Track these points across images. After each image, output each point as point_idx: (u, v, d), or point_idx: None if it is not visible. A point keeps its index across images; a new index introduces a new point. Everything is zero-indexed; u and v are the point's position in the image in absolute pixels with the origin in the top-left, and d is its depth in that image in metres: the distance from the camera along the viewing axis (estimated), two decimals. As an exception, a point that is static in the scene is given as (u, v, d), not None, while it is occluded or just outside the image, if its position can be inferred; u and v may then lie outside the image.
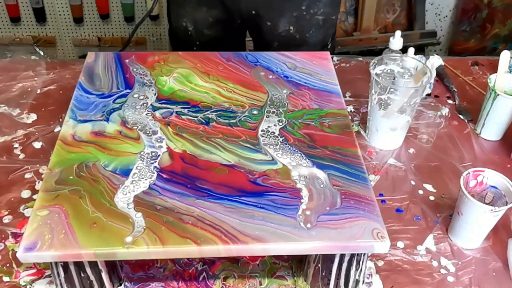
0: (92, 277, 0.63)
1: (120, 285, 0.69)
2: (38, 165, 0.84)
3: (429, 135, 0.96)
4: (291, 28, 1.11)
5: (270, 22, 1.11)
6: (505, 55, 0.93)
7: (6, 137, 0.90)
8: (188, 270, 0.71)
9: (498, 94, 0.89)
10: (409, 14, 2.21)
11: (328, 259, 0.65)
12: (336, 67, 1.10)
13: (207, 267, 0.71)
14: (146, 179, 0.65)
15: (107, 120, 0.74)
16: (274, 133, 0.73)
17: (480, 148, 0.94)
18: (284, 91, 0.81)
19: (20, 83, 1.02)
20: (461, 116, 1.01)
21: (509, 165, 0.91)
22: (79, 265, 0.62)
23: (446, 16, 2.27)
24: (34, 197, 0.78)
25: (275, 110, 0.77)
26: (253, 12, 1.11)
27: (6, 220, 0.76)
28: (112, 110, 0.76)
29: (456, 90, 1.06)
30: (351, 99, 1.03)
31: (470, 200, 0.70)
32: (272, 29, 1.11)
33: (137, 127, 0.73)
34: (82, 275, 0.63)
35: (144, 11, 2.21)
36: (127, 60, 0.86)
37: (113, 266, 0.67)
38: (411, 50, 0.95)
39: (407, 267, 0.73)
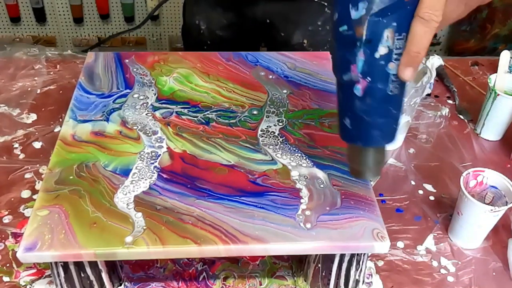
0: (92, 277, 0.63)
1: (120, 285, 0.69)
2: (38, 165, 0.84)
3: (429, 135, 0.96)
4: (305, 41, 1.10)
5: (284, 33, 1.10)
6: (505, 55, 0.93)
7: (6, 137, 0.90)
8: (188, 270, 0.71)
9: (498, 94, 0.89)
10: (409, 14, 2.21)
11: (328, 259, 0.65)
12: (336, 67, 1.10)
13: (207, 267, 0.71)
14: (146, 179, 0.65)
15: (107, 120, 0.74)
16: (274, 133, 0.73)
17: (480, 148, 0.94)
18: (284, 91, 0.81)
19: (20, 83, 1.02)
20: (461, 116, 1.01)
21: (509, 165, 0.91)
22: (79, 265, 0.62)
23: (446, 16, 2.27)
24: (34, 197, 0.78)
25: (275, 110, 0.77)
26: (268, 21, 1.10)
27: (6, 220, 0.76)
28: (112, 110, 0.76)
29: (456, 90, 1.06)
30: (351, 99, 1.03)
31: (470, 200, 0.70)
32: (286, 41, 1.11)
33: (137, 127, 0.73)
34: (82, 275, 0.63)
35: (144, 11, 2.21)
36: (127, 60, 0.86)
37: (113, 266, 0.67)
38: (411, 50, 0.95)
39: (407, 267, 0.73)
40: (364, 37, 0.49)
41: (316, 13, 1.07)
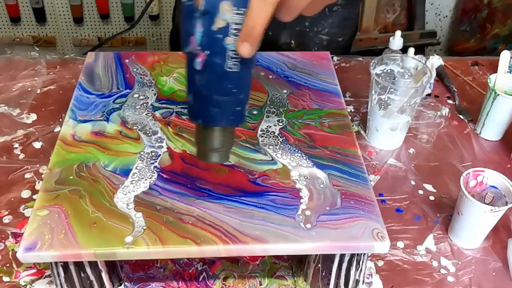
0: (92, 277, 0.63)
1: (120, 285, 0.69)
2: (38, 165, 0.84)
3: (429, 135, 0.96)
4: (292, 42, 1.09)
5: (271, 32, 1.10)
6: (505, 55, 0.93)
7: (6, 137, 0.90)
8: (188, 270, 0.71)
9: (498, 94, 0.89)
10: (409, 14, 2.21)
11: (328, 259, 0.65)
12: (336, 67, 1.10)
13: (207, 267, 0.71)
14: (146, 179, 0.65)
15: (107, 120, 0.74)
16: (274, 133, 0.73)
17: (480, 148, 0.94)
18: (284, 91, 0.81)
19: (20, 83, 1.02)
20: (461, 116, 1.01)
21: (509, 165, 0.91)
22: (79, 265, 0.62)
23: (446, 16, 2.27)
24: (34, 197, 0.78)
25: (275, 110, 0.77)
26: None
27: (6, 220, 0.76)
28: (112, 110, 0.76)
29: (456, 90, 1.06)
30: (351, 99, 1.03)
31: (470, 200, 0.70)
32: (273, 41, 1.10)
33: (137, 127, 0.73)
34: (82, 275, 0.63)
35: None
36: (127, 60, 0.86)
37: (113, 266, 0.67)
38: (411, 50, 0.95)
39: (407, 267, 0.73)
40: (202, 8, 0.48)
41: None
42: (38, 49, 1.16)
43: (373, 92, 0.88)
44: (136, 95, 0.79)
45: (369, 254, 0.69)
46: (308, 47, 1.10)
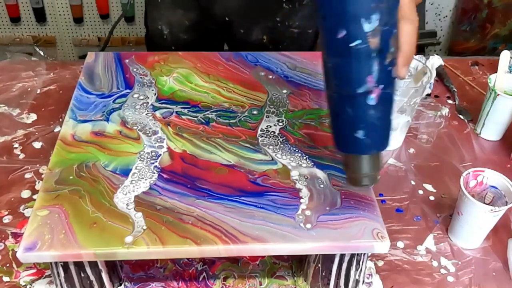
0: (92, 277, 0.63)
1: (120, 285, 0.69)
2: (38, 165, 0.84)
3: (429, 135, 0.96)
4: (264, 38, 1.10)
5: (243, 29, 1.10)
6: (505, 55, 0.93)
7: (6, 137, 0.90)
8: (188, 270, 0.71)
9: (498, 94, 0.89)
10: (409, 14, 2.21)
11: (328, 259, 0.65)
12: (336, 67, 1.10)
13: (207, 267, 0.71)
14: (146, 179, 0.65)
15: (107, 120, 0.74)
16: (274, 132, 0.73)
17: (480, 148, 0.94)
18: (284, 91, 0.81)
19: (20, 83, 1.02)
20: (461, 116, 1.01)
21: (509, 165, 0.91)
22: (79, 265, 0.62)
23: (446, 16, 2.27)
24: (34, 197, 0.78)
25: (275, 110, 0.77)
26: (227, 19, 1.10)
27: (6, 220, 0.76)
28: (112, 110, 0.76)
29: (456, 90, 1.06)
30: (351, 99, 1.03)
31: (470, 200, 0.70)
32: (245, 38, 1.10)
33: (137, 127, 0.73)
34: (82, 275, 0.63)
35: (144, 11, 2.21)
36: (127, 60, 0.86)
37: (113, 266, 0.67)
38: (411, 50, 0.95)
39: (407, 267, 0.73)
40: (378, 47, 0.52)
41: (275, 9, 1.07)
42: (38, 51, 1.16)
43: (373, 92, 0.87)
44: (136, 95, 0.79)
45: (369, 254, 0.69)
46: (280, 41, 1.10)
